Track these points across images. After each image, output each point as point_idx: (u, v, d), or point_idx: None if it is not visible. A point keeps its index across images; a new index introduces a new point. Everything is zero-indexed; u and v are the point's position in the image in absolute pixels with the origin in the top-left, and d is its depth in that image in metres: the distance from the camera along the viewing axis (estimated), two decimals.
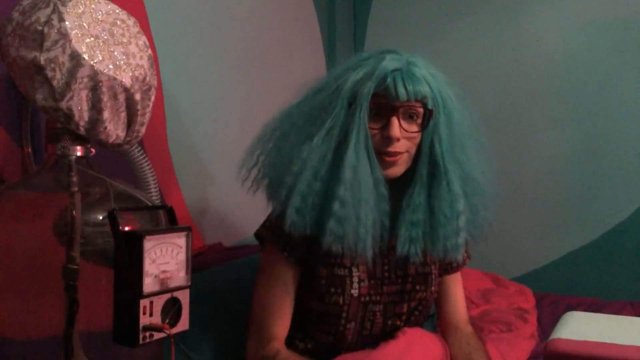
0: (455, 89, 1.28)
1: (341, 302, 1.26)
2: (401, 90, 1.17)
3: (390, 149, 1.20)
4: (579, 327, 0.77)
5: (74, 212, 0.88)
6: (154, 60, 1.06)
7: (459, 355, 1.27)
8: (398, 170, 1.23)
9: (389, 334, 1.27)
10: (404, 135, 1.20)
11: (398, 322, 1.30)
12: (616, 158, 2.54)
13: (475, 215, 1.26)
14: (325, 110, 1.21)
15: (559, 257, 2.64)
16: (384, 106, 1.20)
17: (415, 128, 1.22)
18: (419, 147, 1.24)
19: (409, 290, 1.31)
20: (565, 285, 2.50)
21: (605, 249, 2.56)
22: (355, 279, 1.26)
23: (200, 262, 1.58)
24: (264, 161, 1.27)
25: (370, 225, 1.18)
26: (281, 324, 1.26)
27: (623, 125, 2.53)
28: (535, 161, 2.66)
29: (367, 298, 1.28)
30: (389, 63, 1.20)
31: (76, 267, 0.86)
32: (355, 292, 1.26)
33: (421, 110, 1.21)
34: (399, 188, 1.25)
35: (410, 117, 1.21)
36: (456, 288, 1.40)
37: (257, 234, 1.32)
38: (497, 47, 2.72)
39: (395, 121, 1.19)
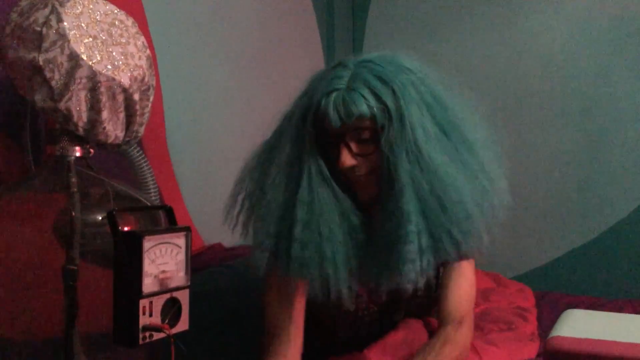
0: (433, 85, 1.16)
1: (336, 314, 1.23)
2: (334, 117, 1.09)
3: (350, 175, 1.13)
4: (579, 324, 0.77)
5: (73, 213, 0.88)
6: (153, 61, 1.06)
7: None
8: (371, 191, 1.14)
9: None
10: (359, 158, 1.12)
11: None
12: (616, 156, 2.54)
13: (448, 232, 1.10)
14: (281, 141, 1.16)
15: (559, 256, 2.64)
16: (332, 133, 1.12)
17: (370, 148, 1.12)
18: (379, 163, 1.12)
19: (407, 298, 1.27)
20: (565, 284, 2.50)
21: (605, 247, 2.56)
22: (353, 294, 1.17)
23: (200, 262, 1.58)
24: (248, 205, 1.20)
25: (341, 261, 1.10)
26: (292, 347, 1.16)
27: (622, 124, 2.53)
28: (535, 160, 2.66)
29: (364, 312, 1.26)
30: (326, 85, 1.11)
31: (76, 267, 0.86)
32: (352, 306, 1.21)
33: (370, 127, 1.11)
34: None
35: (362, 139, 1.12)
36: (454, 279, 1.27)
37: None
38: (496, 46, 2.72)
39: (342, 149, 1.11)
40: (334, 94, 1.10)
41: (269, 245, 1.11)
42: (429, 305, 1.31)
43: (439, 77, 1.19)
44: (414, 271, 1.08)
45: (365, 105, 1.09)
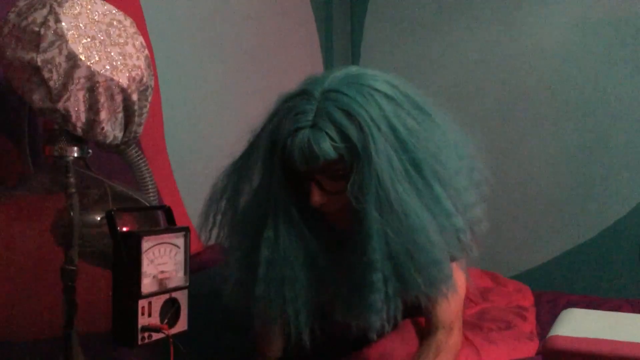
0: (415, 99, 1.09)
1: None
2: (300, 160, 1.03)
3: (324, 211, 1.09)
4: (577, 324, 0.77)
5: (72, 213, 0.88)
6: (151, 61, 1.06)
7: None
8: (345, 223, 1.08)
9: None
10: (331, 196, 1.06)
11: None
12: (614, 155, 2.54)
13: (415, 280, 1.05)
14: (247, 176, 1.13)
15: (558, 255, 2.64)
16: (301, 173, 1.06)
17: (341, 186, 1.05)
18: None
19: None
20: (563, 283, 2.51)
21: (603, 246, 2.56)
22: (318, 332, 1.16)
23: (198, 262, 1.57)
24: (220, 220, 1.18)
25: (302, 304, 1.07)
26: (269, 344, 1.23)
27: (620, 123, 2.53)
28: (533, 159, 2.66)
29: (331, 335, 1.22)
30: (292, 120, 1.03)
31: (74, 268, 0.86)
32: (308, 345, 1.16)
33: (340, 166, 1.04)
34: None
35: (334, 176, 1.05)
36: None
37: None
38: (494, 45, 2.72)
39: (312, 188, 1.05)
40: (299, 134, 1.02)
41: (237, 280, 1.10)
42: (418, 306, 1.30)
43: (416, 94, 1.10)
44: (380, 320, 1.05)
45: (330, 146, 1.01)
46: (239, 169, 1.15)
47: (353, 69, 1.09)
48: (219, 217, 1.17)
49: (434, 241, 1.03)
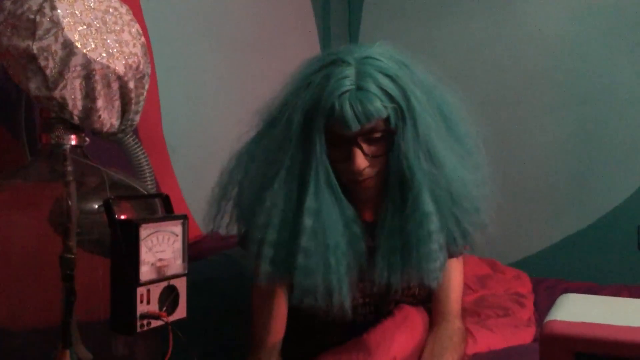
0: (426, 76, 1.15)
1: (328, 307, 1.23)
2: (352, 120, 1.05)
3: (360, 179, 1.11)
4: (575, 309, 0.77)
5: (70, 202, 0.88)
6: (148, 48, 1.06)
7: (433, 347, 1.20)
8: (374, 192, 1.14)
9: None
10: (370, 160, 1.09)
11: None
12: (612, 143, 2.54)
13: (461, 224, 1.14)
14: (281, 147, 1.11)
15: (556, 242, 2.65)
16: (342, 135, 1.08)
17: (380, 149, 1.10)
18: (388, 164, 1.11)
19: (402, 288, 1.26)
20: (561, 270, 2.51)
21: (601, 233, 2.57)
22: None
23: (197, 250, 1.58)
24: (231, 207, 1.19)
25: (344, 271, 1.09)
26: (271, 339, 1.20)
27: (618, 111, 2.53)
28: (531, 147, 2.66)
29: (356, 302, 1.24)
30: (335, 86, 1.05)
31: (73, 256, 0.86)
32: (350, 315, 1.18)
33: (383, 128, 1.08)
34: (376, 209, 1.16)
35: (372, 138, 1.09)
36: (452, 275, 1.30)
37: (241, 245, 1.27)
38: (493, 33, 2.72)
39: (356, 152, 1.08)
40: (347, 96, 1.05)
41: (268, 253, 1.09)
42: (420, 295, 1.31)
43: (426, 68, 1.16)
44: (438, 269, 1.11)
45: (381, 105, 1.05)
46: (265, 144, 1.15)
47: (375, 44, 1.14)
48: (229, 204, 1.19)
49: (471, 191, 1.13)
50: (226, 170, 1.20)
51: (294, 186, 1.10)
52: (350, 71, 1.06)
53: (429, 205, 1.08)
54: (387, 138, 1.09)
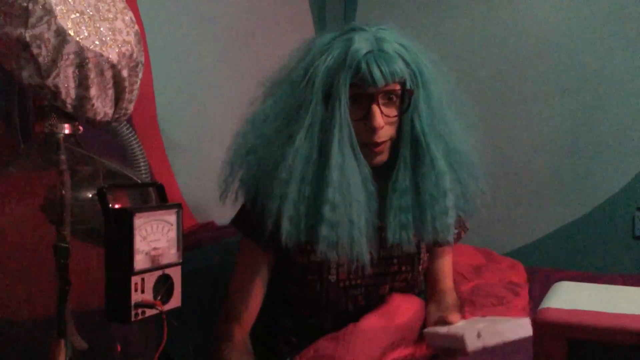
0: (430, 55, 1.22)
1: (319, 288, 1.24)
2: (378, 76, 1.11)
3: (376, 139, 1.15)
4: (569, 296, 0.78)
5: (63, 191, 0.87)
6: (142, 37, 1.05)
7: (438, 307, 1.29)
8: (383, 157, 1.19)
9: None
10: (385, 122, 1.15)
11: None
12: (608, 132, 2.55)
13: (465, 189, 1.22)
14: (301, 106, 1.14)
15: (551, 232, 2.66)
16: (362, 95, 1.14)
17: (395, 111, 1.17)
18: (400, 128, 1.18)
19: (393, 272, 1.29)
20: (557, 260, 2.52)
21: (596, 223, 2.58)
22: (333, 265, 1.23)
23: (192, 240, 1.57)
24: (243, 173, 1.21)
25: (364, 226, 1.13)
26: (246, 309, 1.23)
27: (614, 100, 2.53)
28: (527, 135, 2.66)
29: (347, 283, 1.25)
30: (360, 45, 1.12)
31: (67, 245, 0.86)
32: (333, 277, 1.24)
33: (399, 91, 1.16)
34: (382, 173, 1.20)
35: (389, 100, 1.16)
36: (445, 259, 1.38)
37: (233, 224, 1.30)
38: (489, 20, 2.71)
39: (376, 110, 1.13)
40: (371, 54, 1.11)
41: (288, 211, 1.12)
42: (412, 280, 1.32)
43: (424, 49, 1.23)
44: (452, 224, 1.19)
45: (402, 63, 1.14)
46: (281, 106, 1.17)
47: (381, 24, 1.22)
48: (241, 170, 1.21)
49: (475, 157, 1.23)
50: (239, 133, 1.22)
51: (314, 142, 1.14)
52: (369, 36, 1.14)
53: (443, 165, 1.16)
54: (402, 102, 1.17)
